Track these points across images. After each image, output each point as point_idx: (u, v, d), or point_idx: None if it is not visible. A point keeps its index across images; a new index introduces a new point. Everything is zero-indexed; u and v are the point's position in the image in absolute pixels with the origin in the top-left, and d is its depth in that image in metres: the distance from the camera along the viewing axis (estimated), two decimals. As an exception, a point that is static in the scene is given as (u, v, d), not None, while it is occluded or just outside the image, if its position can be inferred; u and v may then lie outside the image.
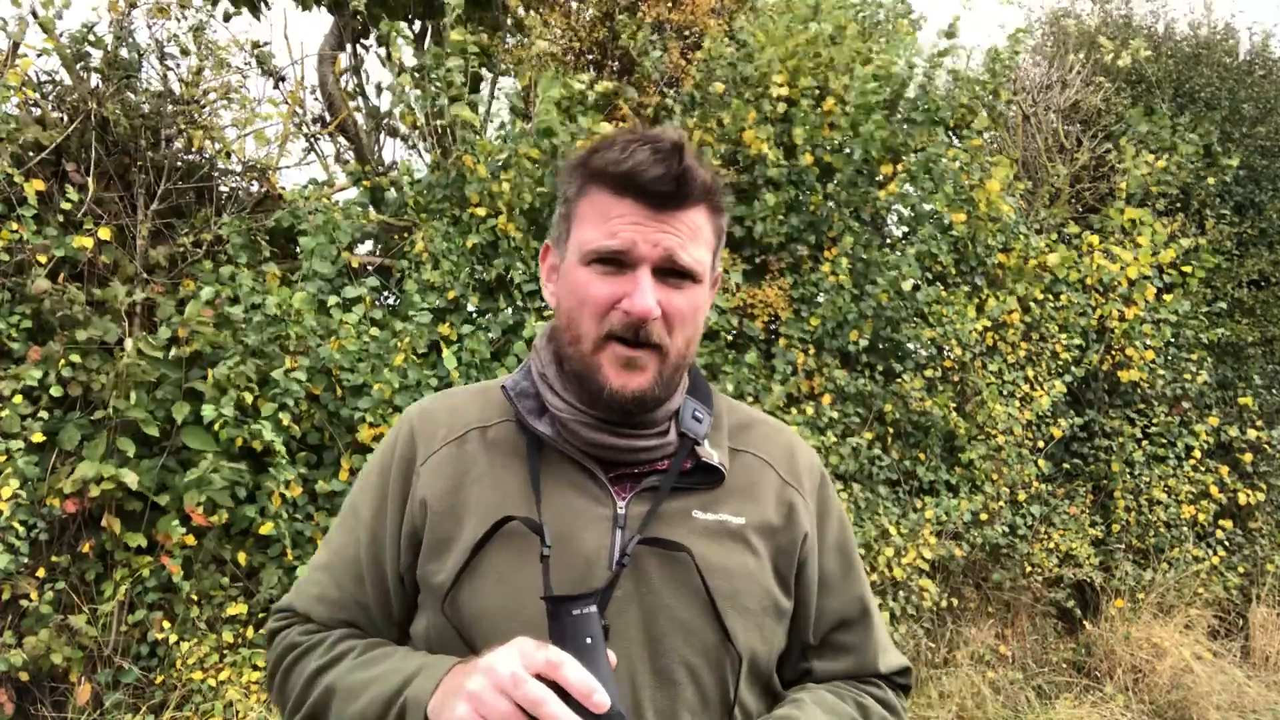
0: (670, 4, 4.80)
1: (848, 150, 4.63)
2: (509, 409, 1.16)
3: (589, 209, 1.08)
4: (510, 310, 3.92)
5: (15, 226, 3.22)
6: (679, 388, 1.15)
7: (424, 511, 1.12)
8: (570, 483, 1.10)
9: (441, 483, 1.12)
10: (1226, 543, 5.89)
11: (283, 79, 4.32)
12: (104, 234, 3.36)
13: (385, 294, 4.08)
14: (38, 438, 3.13)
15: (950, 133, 5.28)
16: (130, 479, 3.10)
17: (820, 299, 4.54)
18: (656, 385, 1.08)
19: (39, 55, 3.58)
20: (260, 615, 3.35)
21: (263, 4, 4.86)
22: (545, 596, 0.98)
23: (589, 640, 0.92)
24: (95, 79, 3.65)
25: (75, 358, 3.19)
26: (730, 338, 4.50)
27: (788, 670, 1.19)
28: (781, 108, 4.59)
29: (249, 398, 3.28)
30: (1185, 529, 5.71)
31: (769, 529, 1.15)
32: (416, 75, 4.17)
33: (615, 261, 1.05)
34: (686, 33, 4.87)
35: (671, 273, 1.06)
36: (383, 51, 4.33)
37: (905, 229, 5.18)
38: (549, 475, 1.10)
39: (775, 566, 1.14)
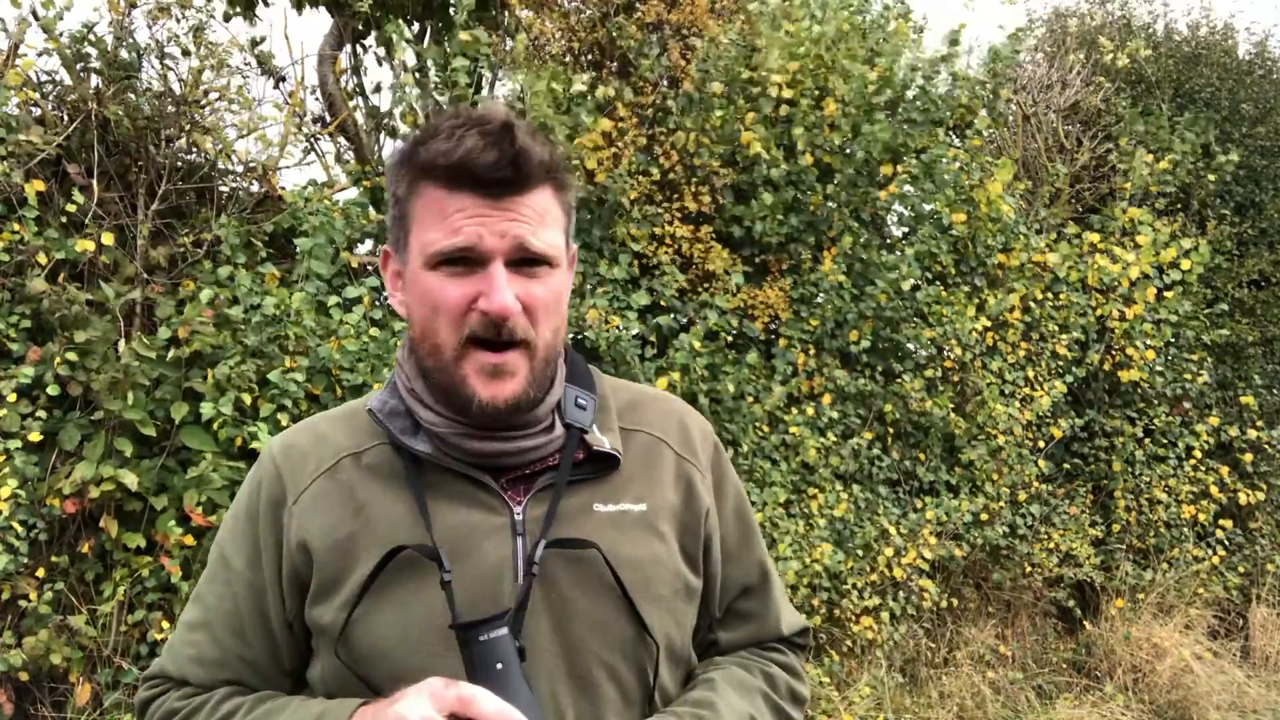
0: (668, 4, 4.80)
1: (848, 151, 4.63)
2: (380, 431, 1.08)
3: (424, 208, 1.00)
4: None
5: (16, 227, 3.22)
6: (557, 379, 1.09)
7: (306, 554, 1.04)
8: (461, 496, 1.03)
9: (320, 520, 1.04)
10: (1226, 543, 5.88)
11: (283, 79, 4.32)
12: (107, 239, 3.36)
13: (385, 294, 4.08)
14: (36, 437, 3.13)
15: (951, 133, 5.28)
16: (130, 480, 3.10)
17: (820, 299, 4.54)
18: (530, 387, 1.02)
19: (39, 55, 3.58)
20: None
21: (260, 3, 4.86)
22: (453, 625, 0.94)
23: (499, 666, 0.89)
24: (95, 79, 3.64)
25: (72, 357, 3.19)
26: (730, 338, 4.50)
27: (695, 644, 1.17)
28: (783, 109, 4.59)
29: (248, 398, 3.28)
30: (1185, 529, 5.71)
31: (671, 511, 1.11)
32: (418, 75, 4.17)
33: (463, 260, 0.98)
34: (685, 32, 4.87)
35: (525, 262, 0.99)
36: (382, 51, 4.33)
37: (905, 229, 5.18)
38: (437, 493, 1.04)
39: (683, 547, 1.11)
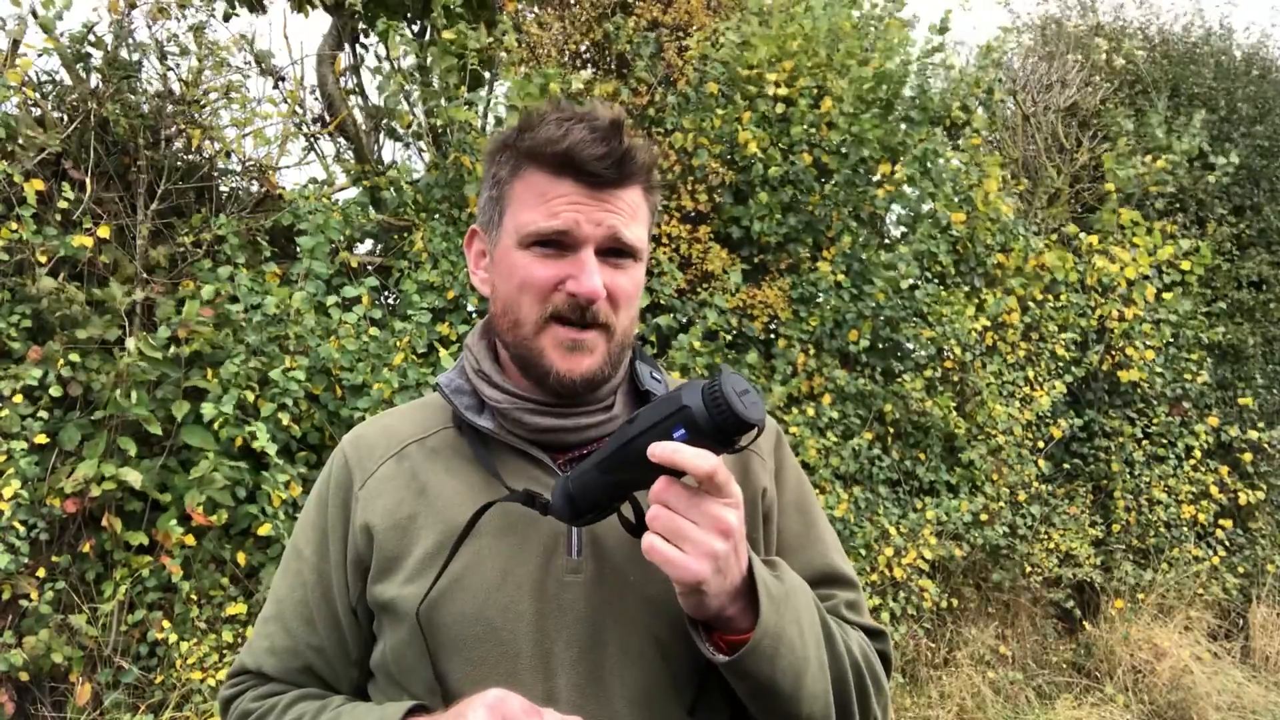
0: (663, 5, 4.80)
1: (845, 151, 4.63)
2: (446, 415, 1.14)
3: (525, 190, 1.05)
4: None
5: (15, 226, 3.22)
6: (622, 363, 1.15)
7: (368, 537, 1.08)
8: (518, 472, 1.08)
9: (384, 501, 1.09)
10: (1226, 543, 5.89)
11: (282, 79, 4.31)
12: (103, 232, 3.36)
13: (385, 293, 4.08)
14: (42, 439, 3.13)
15: (948, 133, 5.28)
16: (133, 478, 3.10)
17: (819, 299, 4.54)
18: (605, 366, 1.07)
19: (39, 55, 3.58)
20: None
21: (260, 3, 4.87)
22: (547, 512, 1.00)
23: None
24: (95, 79, 3.64)
25: (75, 357, 3.19)
26: (729, 338, 4.51)
27: None
28: (780, 108, 4.59)
29: (250, 397, 3.28)
30: (1185, 529, 5.71)
31: None
32: (413, 75, 4.17)
33: (557, 243, 1.03)
34: (681, 32, 4.87)
35: (614, 252, 1.05)
36: (381, 50, 4.33)
37: (904, 228, 5.18)
38: (498, 469, 1.08)
39: None
